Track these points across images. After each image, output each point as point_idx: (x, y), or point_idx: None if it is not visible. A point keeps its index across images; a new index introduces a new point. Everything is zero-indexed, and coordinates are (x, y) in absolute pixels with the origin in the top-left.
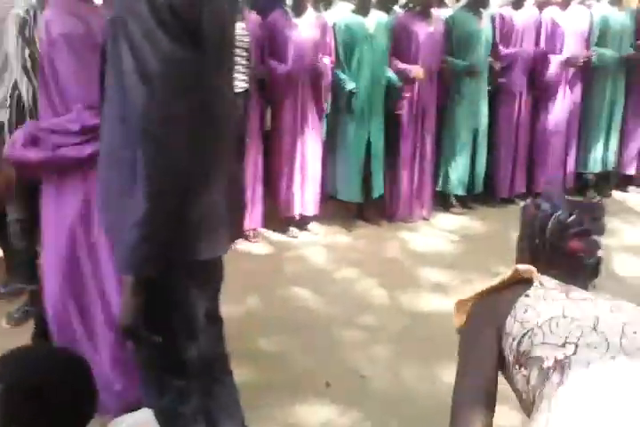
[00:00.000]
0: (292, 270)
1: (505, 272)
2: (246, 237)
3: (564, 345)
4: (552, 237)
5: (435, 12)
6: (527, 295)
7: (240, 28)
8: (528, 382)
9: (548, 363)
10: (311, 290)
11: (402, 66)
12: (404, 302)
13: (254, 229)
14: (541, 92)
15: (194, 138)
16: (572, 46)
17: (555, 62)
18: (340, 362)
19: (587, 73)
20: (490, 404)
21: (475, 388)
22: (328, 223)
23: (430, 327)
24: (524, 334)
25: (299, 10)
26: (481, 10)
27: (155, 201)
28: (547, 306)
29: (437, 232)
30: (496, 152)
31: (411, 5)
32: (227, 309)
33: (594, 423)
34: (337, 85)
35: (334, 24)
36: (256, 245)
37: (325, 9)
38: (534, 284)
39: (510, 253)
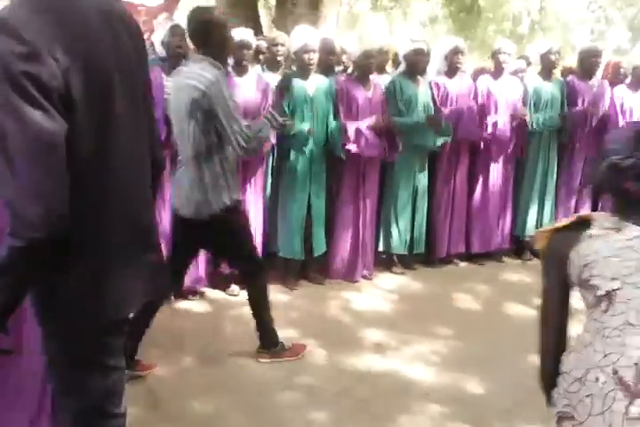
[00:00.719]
0: (230, 330)
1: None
2: (184, 295)
3: (613, 280)
4: (612, 179)
5: (374, 77)
6: (589, 235)
7: None
8: (585, 301)
9: (600, 292)
10: (250, 350)
11: (355, 123)
12: (343, 363)
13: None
14: (477, 156)
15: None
16: (504, 113)
17: (498, 121)
18: (278, 424)
19: (521, 139)
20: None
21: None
22: (268, 281)
23: (369, 388)
24: (585, 265)
25: (240, 70)
26: (418, 76)
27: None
28: (603, 245)
29: (379, 292)
30: (434, 213)
31: (350, 71)
32: (161, 369)
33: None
34: (282, 141)
35: (276, 86)
36: (194, 302)
37: (273, 71)
38: (594, 224)
39: (448, 314)
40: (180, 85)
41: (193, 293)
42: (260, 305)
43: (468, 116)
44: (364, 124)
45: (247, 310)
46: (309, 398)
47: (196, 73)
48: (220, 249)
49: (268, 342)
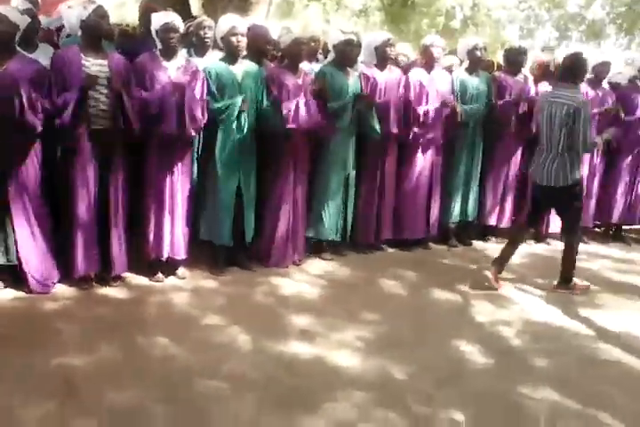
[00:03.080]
0: (153, 317)
1: None
2: (106, 281)
3: None
4: None
5: (303, 65)
6: None
7: (100, 64)
8: None
9: None
10: (173, 338)
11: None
12: (269, 350)
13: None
14: (405, 145)
15: None
16: (435, 105)
17: (429, 111)
18: (200, 416)
19: (449, 129)
20: None
21: None
22: (196, 268)
23: (295, 375)
24: None
25: (168, 54)
26: (347, 67)
27: None
28: None
29: (307, 278)
30: (363, 199)
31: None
32: (75, 358)
33: None
34: (212, 120)
35: (203, 69)
36: (116, 289)
37: (201, 56)
38: None
39: (375, 299)
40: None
41: (115, 279)
42: (571, 250)
43: (395, 110)
44: (293, 102)
45: (171, 297)
46: (234, 386)
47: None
48: (564, 207)
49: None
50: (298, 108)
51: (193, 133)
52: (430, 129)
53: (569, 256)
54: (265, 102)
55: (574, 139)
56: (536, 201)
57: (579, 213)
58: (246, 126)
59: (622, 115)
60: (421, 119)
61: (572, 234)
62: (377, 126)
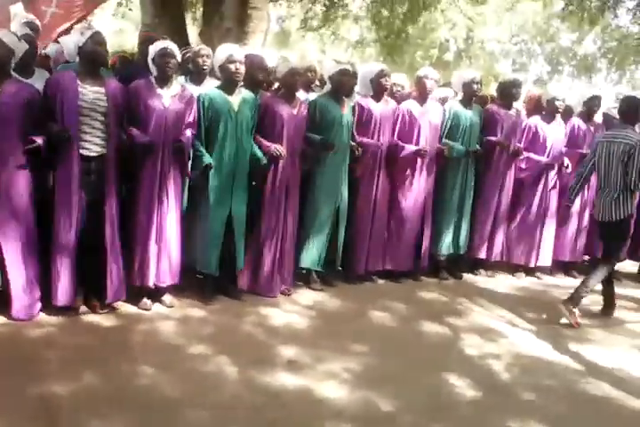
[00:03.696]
0: (139, 345)
1: None
2: (92, 308)
3: None
4: None
5: (299, 95)
6: None
7: (97, 91)
8: None
9: None
10: (158, 367)
11: (265, 143)
12: (255, 381)
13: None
14: (397, 177)
15: None
16: (427, 138)
17: (408, 150)
18: None
19: (439, 162)
20: None
21: None
22: (184, 296)
23: (280, 407)
24: None
25: (163, 80)
26: (343, 98)
27: None
28: None
29: (296, 308)
30: (354, 230)
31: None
32: (61, 387)
33: None
34: (195, 158)
35: (199, 97)
36: (102, 316)
37: (198, 84)
38: None
39: (364, 331)
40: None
41: (103, 306)
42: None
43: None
44: (271, 146)
45: (157, 325)
46: (217, 417)
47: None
48: (609, 239)
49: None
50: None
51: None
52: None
53: (589, 283)
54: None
55: (629, 176)
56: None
57: (619, 248)
58: (241, 155)
59: None
60: (400, 160)
61: (606, 264)
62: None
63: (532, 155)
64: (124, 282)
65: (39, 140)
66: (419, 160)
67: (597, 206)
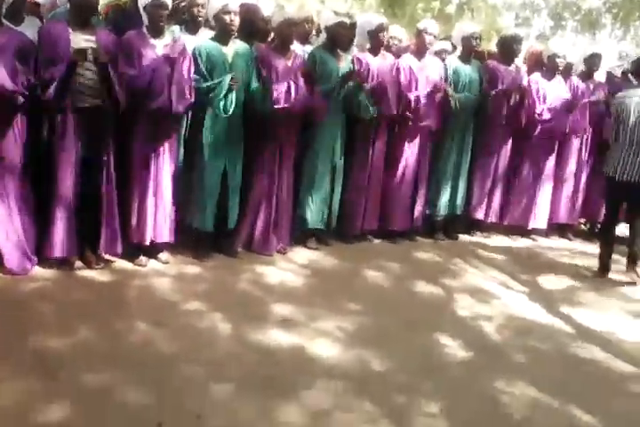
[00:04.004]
0: (134, 301)
1: None
2: (88, 263)
3: None
4: None
5: (295, 47)
6: None
7: (88, 40)
8: None
9: None
10: (153, 323)
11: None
12: (249, 338)
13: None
14: (394, 136)
15: None
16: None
17: (419, 97)
18: (176, 401)
19: (439, 119)
20: None
21: None
22: (180, 253)
23: (273, 364)
24: None
25: (156, 31)
26: (339, 51)
27: None
28: None
29: (291, 266)
30: (350, 189)
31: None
32: (56, 340)
33: None
34: (198, 104)
35: (194, 49)
36: (98, 271)
37: (191, 34)
38: None
39: (358, 290)
40: None
41: (99, 261)
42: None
43: (392, 93)
44: (282, 85)
45: (153, 281)
46: (211, 373)
47: None
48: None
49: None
50: (289, 90)
51: (181, 110)
52: (423, 116)
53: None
54: (254, 84)
55: None
56: (612, 196)
57: None
58: (234, 109)
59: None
60: (412, 105)
61: None
62: (369, 107)
63: (546, 106)
64: (119, 237)
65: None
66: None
67: (620, 166)
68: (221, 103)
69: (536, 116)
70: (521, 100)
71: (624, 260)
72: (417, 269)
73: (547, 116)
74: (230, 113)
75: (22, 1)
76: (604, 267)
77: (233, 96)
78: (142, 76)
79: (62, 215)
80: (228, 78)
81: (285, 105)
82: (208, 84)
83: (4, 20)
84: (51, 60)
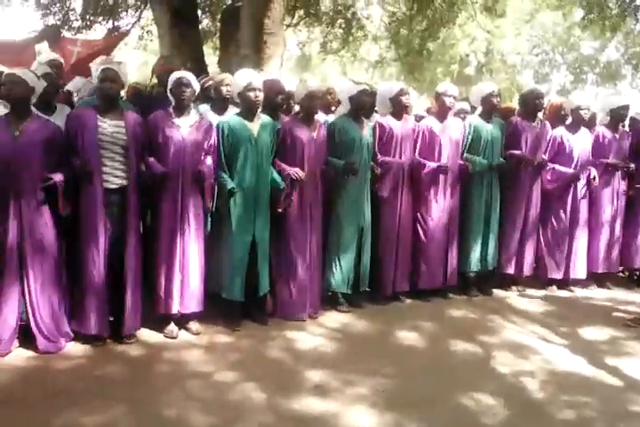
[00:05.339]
0: (166, 374)
1: None
2: (120, 339)
3: None
4: None
5: (318, 117)
6: None
7: (116, 125)
8: None
9: None
10: (185, 396)
11: (284, 166)
12: (283, 407)
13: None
14: (420, 195)
15: None
16: (448, 154)
17: (429, 168)
18: None
19: (463, 178)
20: None
21: None
22: (210, 322)
23: None
24: None
25: (180, 110)
26: (362, 118)
27: None
28: None
29: (323, 331)
30: (379, 251)
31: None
32: (85, 417)
33: None
34: (219, 185)
35: (218, 124)
36: (129, 346)
37: (220, 113)
38: None
39: (392, 352)
40: None
41: (129, 336)
42: None
43: (395, 172)
44: (290, 169)
45: (184, 353)
46: None
47: None
48: None
49: None
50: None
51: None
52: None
53: None
54: (275, 176)
55: None
56: None
57: None
58: (261, 177)
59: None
60: (423, 177)
61: None
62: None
63: (557, 166)
64: (140, 312)
65: (56, 178)
66: (441, 177)
67: None
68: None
69: (543, 175)
70: (539, 166)
71: None
72: (452, 328)
73: (549, 177)
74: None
75: (53, 92)
76: None
77: (232, 200)
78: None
79: (93, 293)
80: (229, 186)
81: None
82: (219, 179)
83: (34, 110)
84: (80, 146)
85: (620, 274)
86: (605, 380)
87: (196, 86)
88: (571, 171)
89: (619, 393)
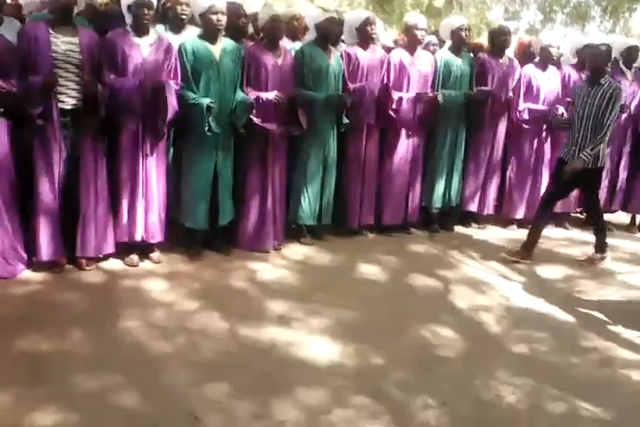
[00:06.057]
0: (125, 302)
1: None
2: (79, 265)
3: None
4: None
5: (284, 44)
6: None
7: (69, 42)
8: None
9: None
10: (145, 324)
11: (260, 94)
12: (244, 336)
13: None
14: (387, 127)
15: None
16: (417, 87)
17: (402, 98)
18: (173, 403)
19: (431, 113)
20: None
21: None
22: (172, 251)
23: (270, 362)
24: None
25: (140, 30)
26: (330, 46)
27: None
28: None
29: (287, 263)
30: (344, 184)
31: (259, 37)
32: (47, 344)
33: None
34: (186, 107)
35: (179, 47)
36: (89, 273)
37: (175, 33)
38: None
39: (353, 285)
40: None
41: (89, 262)
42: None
43: (370, 97)
44: (269, 95)
45: (145, 281)
46: (207, 373)
47: None
48: (588, 188)
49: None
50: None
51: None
52: (404, 115)
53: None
54: (239, 93)
55: None
56: None
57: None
58: (224, 110)
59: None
60: (394, 106)
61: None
62: (345, 121)
63: (530, 104)
64: (104, 237)
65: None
66: (409, 111)
67: None
68: (205, 126)
69: (517, 114)
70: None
71: (623, 247)
72: (413, 262)
73: (526, 116)
74: (214, 132)
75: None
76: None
77: (211, 118)
78: (122, 91)
79: (46, 218)
80: (205, 102)
81: (264, 126)
82: (189, 99)
83: None
84: (33, 63)
85: (579, 215)
86: (559, 316)
87: (154, 6)
88: (544, 108)
89: (571, 329)
